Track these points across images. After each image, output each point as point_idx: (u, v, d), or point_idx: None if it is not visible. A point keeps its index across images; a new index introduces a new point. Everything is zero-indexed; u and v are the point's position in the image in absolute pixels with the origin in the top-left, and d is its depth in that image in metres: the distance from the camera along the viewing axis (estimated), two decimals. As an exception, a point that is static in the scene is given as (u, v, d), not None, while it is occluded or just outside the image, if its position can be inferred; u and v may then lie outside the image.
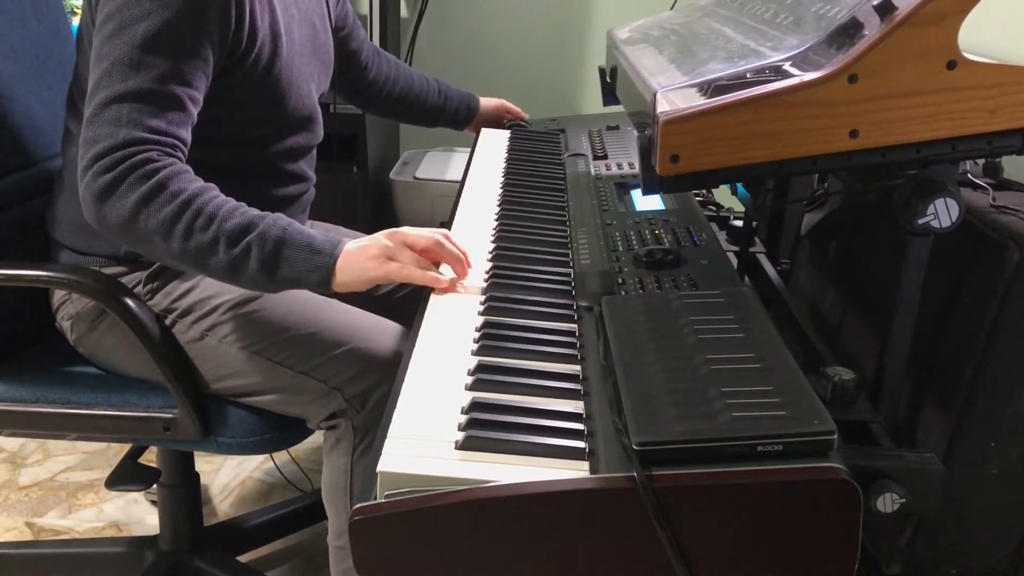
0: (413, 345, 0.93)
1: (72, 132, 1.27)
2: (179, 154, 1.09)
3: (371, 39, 2.32)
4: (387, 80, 1.69)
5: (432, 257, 1.08)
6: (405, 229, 1.09)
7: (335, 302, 1.27)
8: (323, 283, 1.06)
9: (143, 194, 1.04)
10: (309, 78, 1.34)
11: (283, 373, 1.19)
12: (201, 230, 1.04)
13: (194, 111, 1.12)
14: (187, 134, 1.11)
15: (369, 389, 1.17)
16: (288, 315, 1.21)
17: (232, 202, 1.08)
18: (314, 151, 1.41)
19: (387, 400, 0.85)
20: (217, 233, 1.04)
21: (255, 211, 1.08)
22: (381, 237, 1.08)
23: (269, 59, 1.21)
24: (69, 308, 1.28)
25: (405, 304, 1.48)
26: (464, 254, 1.09)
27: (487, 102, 1.82)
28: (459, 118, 1.78)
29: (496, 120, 1.83)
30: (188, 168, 1.09)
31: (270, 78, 1.23)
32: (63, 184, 1.30)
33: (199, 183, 1.08)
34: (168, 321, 1.23)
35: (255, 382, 1.20)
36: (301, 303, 1.24)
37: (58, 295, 1.30)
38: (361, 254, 1.06)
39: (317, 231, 1.11)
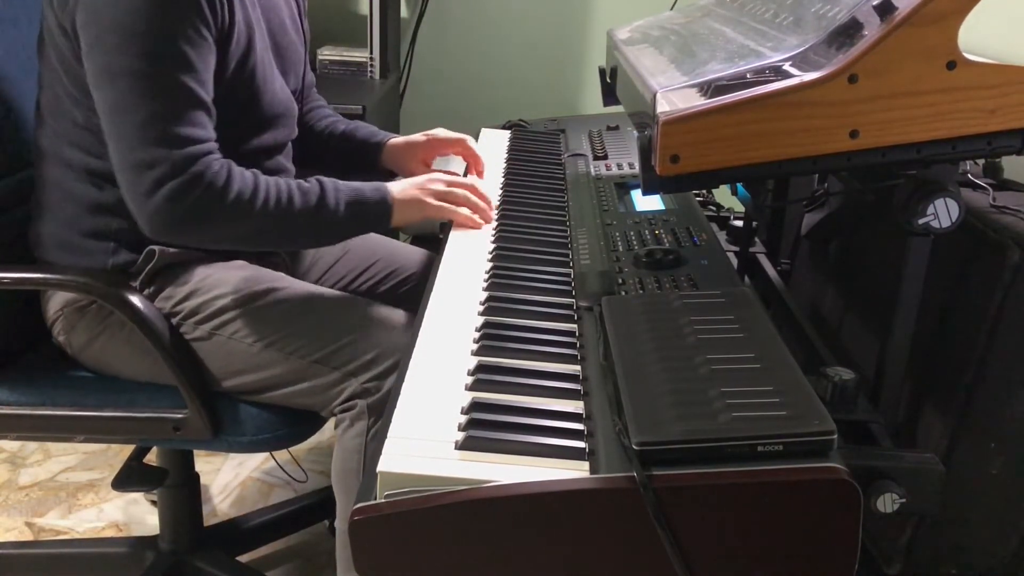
0: (413, 345, 0.93)
1: (44, 149, 1.24)
2: (220, 152, 1.15)
3: (371, 39, 2.33)
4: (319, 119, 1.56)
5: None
6: (442, 175, 1.29)
7: (343, 292, 1.28)
8: (385, 226, 1.25)
9: (225, 212, 1.13)
10: (280, 75, 1.33)
11: (297, 363, 1.18)
12: (279, 225, 1.17)
13: (211, 103, 1.16)
14: (213, 128, 1.17)
15: (384, 373, 1.16)
16: (297, 306, 1.21)
17: (283, 184, 1.17)
18: (290, 145, 1.41)
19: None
20: (294, 222, 1.17)
21: (304, 185, 1.19)
22: (425, 181, 1.27)
23: (244, 52, 1.21)
24: (64, 323, 1.26)
25: (406, 301, 1.48)
26: (490, 203, 1.30)
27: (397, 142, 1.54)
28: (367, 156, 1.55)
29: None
30: (234, 164, 1.15)
31: (245, 72, 1.23)
32: (40, 205, 1.26)
33: (250, 176, 1.16)
34: (173, 323, 1.23)
35: (269, 375, 1.20)
36: (308, 294, 1.24)
37: (51, 312, 1.27)
38: (412, 197, 1.24)
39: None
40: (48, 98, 1.22)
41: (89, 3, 1.09)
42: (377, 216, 1.22)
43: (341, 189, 1.20)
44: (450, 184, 1.27)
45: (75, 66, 1.14)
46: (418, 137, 1.52)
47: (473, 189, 1.28)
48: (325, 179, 1.21)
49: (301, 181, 1.20)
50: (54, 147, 1.23)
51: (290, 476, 1.92)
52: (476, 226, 1.26)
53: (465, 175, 1.47)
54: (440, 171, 1.32)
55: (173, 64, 1.10)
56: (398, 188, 1.24)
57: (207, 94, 1.14)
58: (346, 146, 1.53)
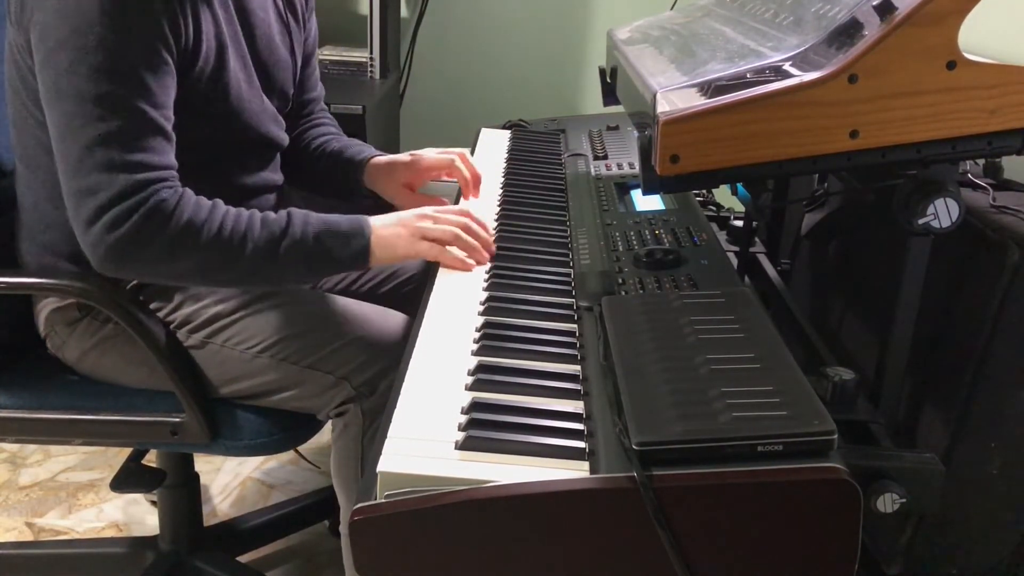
0: (413, 345, 0.93)
1: (19, 169, 1.20)
2: (177, 181, 1.08)
3: (371, 39, 2.33)
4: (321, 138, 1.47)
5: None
6: (431, 211, 1.16)
7: (335, 296, 1.27)
8: (361, 265, 1.14)
9: (170, 239, 1.05)
10: (264, 92, 1.28)
11: (289, 370, 1.18)
12: (236, 256, 1.08)
13: (170, 128, 1.09)
14: (173, 155, 1.09)
15: (377, 376, 1.16)
16: (289, 313, 1.21)
17: (245, 213, 1.10)
18: (277, 156, 1.35)
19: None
20: (253, 253, 1.08)
21: (271, 216, 1.11)
22: (412, 218, 1.15)
23: (215, 70, 1.16)
24: (55, 339, 1.25)
25: (409, 302, 1.47)
26: (486, 241, 1.16)
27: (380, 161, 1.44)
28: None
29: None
30: (191, 192, 1.08)
31: (218, 91, 1.17)
32: (22, 224, 1.24)
33: (208, 204, 1.09)
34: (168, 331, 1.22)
35: (262, 382, 1.20)
36: (301, 299, 1.24)
37: (42, 328, 1.26)
38: (394, 234, 1.13)
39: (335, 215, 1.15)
40: (12, 115, 1.18)
41: (43, 19, 1.03)
42: (353, 254, 1.12)
43: (311, 222, 1.11)
44: (439, 221, 1.14)
45: (34, 85, 1.08)
46: (402, 157, 1.40)
47: (466, 227, 1.14)
48: (296, 210, 1.13)
49: (269, 212, 1.12)
50: (26, 167, 1.19)
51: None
52: (467, 269, 1.11)
53: (458, 200, 1.40)
54: (429, 204, 1.20)
55: (124, 84, 1.03)
56: (380, 224, 1.14)
57: (165, 119, 1.07)
58: (331, 164, 1.44)
